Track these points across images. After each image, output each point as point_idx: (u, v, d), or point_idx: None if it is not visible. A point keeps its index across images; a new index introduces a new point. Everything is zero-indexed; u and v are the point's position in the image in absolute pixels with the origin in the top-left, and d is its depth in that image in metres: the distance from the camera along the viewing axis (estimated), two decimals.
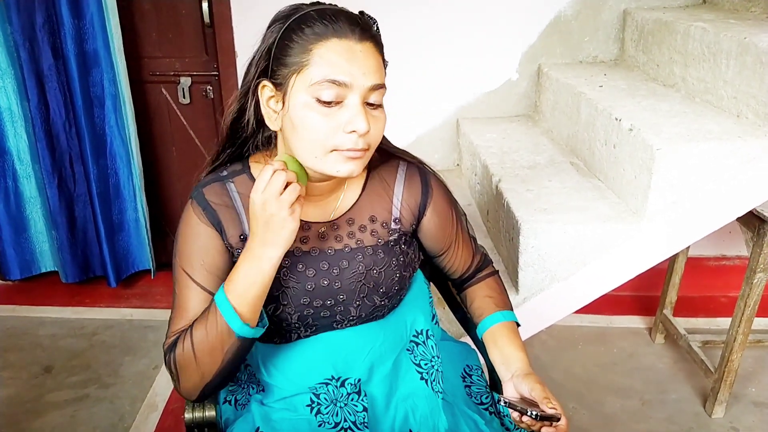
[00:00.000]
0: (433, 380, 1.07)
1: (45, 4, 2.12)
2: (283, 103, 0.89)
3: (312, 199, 0.99)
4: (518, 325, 1.12)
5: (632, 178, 1.55)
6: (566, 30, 2.21)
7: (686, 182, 1.48)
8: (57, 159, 2.32)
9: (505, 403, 0.96)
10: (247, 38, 2.32)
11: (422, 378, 1.07)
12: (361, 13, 0.91)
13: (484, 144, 2.04)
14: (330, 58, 0.85)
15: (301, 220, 0.98)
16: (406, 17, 2.17)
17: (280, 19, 0.90)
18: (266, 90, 0.91)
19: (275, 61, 0.88)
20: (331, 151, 0.87)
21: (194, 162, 2.54)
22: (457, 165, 2.37)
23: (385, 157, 1.07)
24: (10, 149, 2.36)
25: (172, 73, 2.40)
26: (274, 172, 0.83)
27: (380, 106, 0.90)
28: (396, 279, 1.03)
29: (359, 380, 1.03)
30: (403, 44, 2.18)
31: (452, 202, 1.12)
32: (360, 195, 1.03)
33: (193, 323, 0.91)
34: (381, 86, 0.89)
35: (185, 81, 2.40)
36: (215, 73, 2.38)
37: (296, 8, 0.90)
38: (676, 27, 1.82)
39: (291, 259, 0.97)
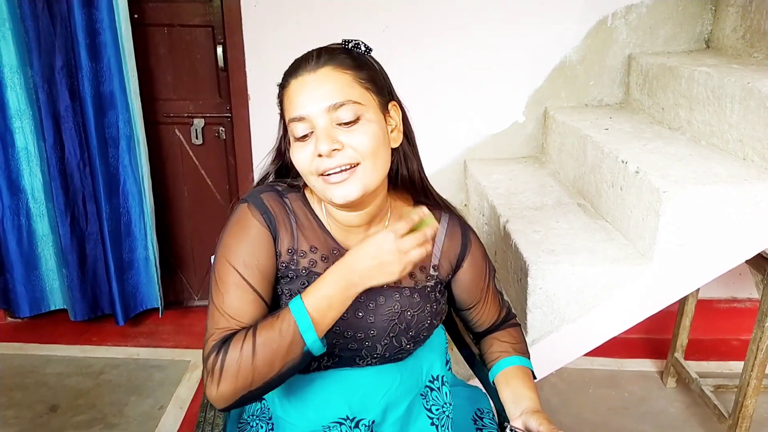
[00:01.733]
0: (443, 426, 1.07)
1: (65, 48, 2.19)
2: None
3: (354, 231, 1.02)
4: (534, 377, 1.11)
5: (639, 220, 1.56)
6: (572, 74, 2.25)
7: (694, 224, 1.48)
8: (70, 198, 2.36)
9: (511, 429, 0.94)
10: (260, 81, 2.41)
11: (432, 424, 1.06)
12: (343, 42, 0.97)
13: (492, 185, 2.06)
14: (290, 100, 0.93)
15: (346, 251, 0.98)
16: (417, 60, 2.22)
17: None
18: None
19: (280, 115, 1.00)
20: (318, 176, 0.92)
21: (205, 202, 2.57)
22: (465, 205, 2.39)
23: (424, 195, 1.09)
24: (25, 188, 2.40)
25: (186, 114, 2.46)
26: (425, 240, 0.89)
27: (356, 121, 0.91)
28: (426, 325, 1.03)
29: (373, 422, 1.02)
30: (413, 86, 2.21)
31: (487, 258, 1.13)
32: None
33: (256, 326, 0.88)
34: (342, 104, 0.90)
35: (198, 122, 2.45)
36: (228, 114, 2.43)
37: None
38: (680, 71, 1.85)
39: None
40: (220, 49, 2.32)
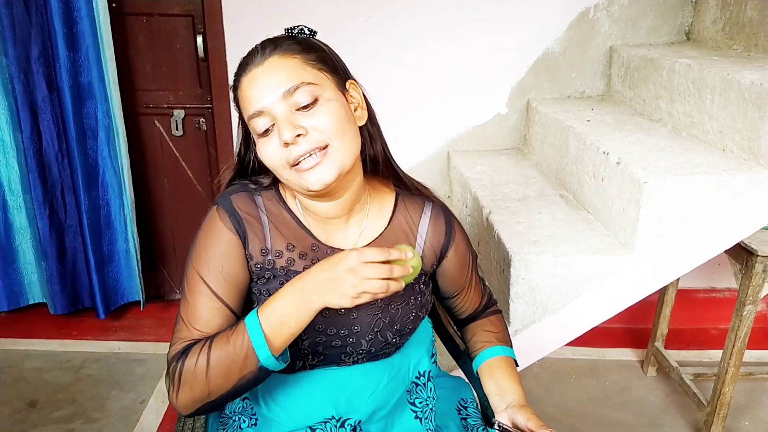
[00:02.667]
0: (426, 418, 1.07)
1: (41, 37, 2.14)
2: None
3: (334, 223, 0.99)
4: (517, 364, 1.12)
5: (621, 211, 1.57)
6: (554, 66, 2.26)
7: (674, 215, 1.50)
8: (48, 189, 2.32)
9: (499, 426, 0.95)
10: None
11: (417, 417, 1.06)
12: (286, 30, 0.96)
13: (475, 176, 2.06)
14: (243, 96, 0.91)
15: (326, 246, 0.98)
16: (400, 51, 2.21)
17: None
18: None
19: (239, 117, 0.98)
20: (290, 168, 0.89)
21: (186, 194, 2.55)
22: (448, 197, 2.39)
23: (412, 192, 1.06)
24: (1, 180, 2.36)
25: (166, 105, 2.42)
26: (388, 261, 0.82)
27: (314, 102, 0.89)
28: (411, 318, 1.02)
29: (359, 422, 1.01)
30: (395, 77, 2.21)
31: (470, 245, 1.13)
32: (386, 227, 1.03)
33: (212, 339, 0.87)
34: (296, 87, 0.88)
35: (179, 113, 2.42)
36: (209, 105, 2.40)
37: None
38: (661, 63, 1.86)
39: None
40: (200, 39, 2.29)
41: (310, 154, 0.88)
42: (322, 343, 0.97)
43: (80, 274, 2.46)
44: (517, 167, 2.16)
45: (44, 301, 2.53)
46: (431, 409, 1.08)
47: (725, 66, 1.66)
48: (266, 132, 0.90)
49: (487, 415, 1.18)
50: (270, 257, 0.96)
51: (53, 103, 2.22)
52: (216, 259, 0.93)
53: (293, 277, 0.89)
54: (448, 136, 2.35)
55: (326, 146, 0.89)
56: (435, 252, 1.06)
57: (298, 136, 0.87)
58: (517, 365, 1.11)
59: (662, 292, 2.17)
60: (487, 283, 1.21)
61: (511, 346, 1.14)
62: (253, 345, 0.83)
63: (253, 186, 0.99)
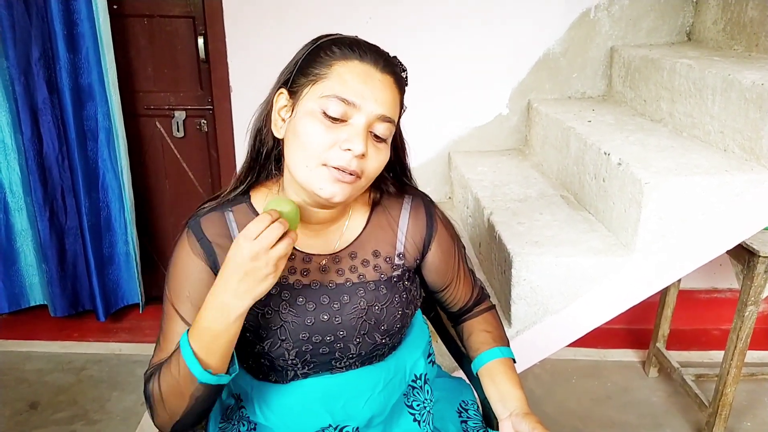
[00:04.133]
0: (424, 421, 1.06)
1: (41, 38, 2.14)
2: (293, 110, 0.90)
3: (313, 229, 0.98)
4: (514, 361, 1.11)
5: (622, 212, 1.57)
6: (555, 66, 2.26)
7: (675, 216, 1.49)
8: (49, 192, 2.32)
9: None
10: (242, 73, 2.38)
11: (415, 420, 1.05)
12: (394, 57, 0.94)
13: (476, 177, 2.06)
14: (347, 77, 0.87)
15: (303, 252, 0.97)
16: (401, 52, 2.20)
17: (314, 39, 0.93)
18: (281, 98, 0.92)
19: (298, 71, 0.90)
20: (323, 164, 0.86)
21: (187, 195, 2.54)
22: (449, 198, 2.39)
23: (392, 190, 1.05)
24: (2, 182, 2.36)
25: (167, 107, 2.42)
26: (272, 221, 0.80)
27: (385, 140, 0.90)
28: (398, 317, 1.00)
29: (357, 428, 1.00)
30: None
31: (455, 237, 1.11)
32: (364, 228, 1.01)
33: (162, 363, 0.89)
34: (390, 120, 0.89)
35: (180, 115, 2.42)
36: (210, 107, 2.40)
37: (333, 34, 0.93)
38: (662, 63, 1.86)
39: (291, 292, 0.95)
40: (201, 40, 2.29)
41: (349, 174, 0.87)
42: (309, 352, 0.96)
43: (80, 277, 2.46)
44: (518, 168, 2.16)
45: (45, 303, 2.52)
46: (429, 411, 1.07)
47: (726, 66, 1.66)
48: (335, 119, 0.86)
49: (488, 416, 1.17)
50: None
51: (53, 105, 2.22)
52: (184, 286, 0.93)
53: (272, 289, 0.87)
54: (449, 137, 2.34)
55: (360, 177, 0.89)
56: (417, 246, 1.05)
57: (363, 155, 0.87)
58: (514, 362, 1.10)
59: (664, 292, 2.16)
60: (477, 276, 1.19)
61: (508, 344, 1.12)
62: (188, 365, 0.84)
63: (227, 200, 0.97)
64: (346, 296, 0.97)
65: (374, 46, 0.92)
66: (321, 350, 0.96)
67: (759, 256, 1.68)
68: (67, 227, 2.39)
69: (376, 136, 0.89)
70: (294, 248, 0.95)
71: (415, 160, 1.10)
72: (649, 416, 2.06)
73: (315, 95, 0.87)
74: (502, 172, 2.11)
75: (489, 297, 1.21)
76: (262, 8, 2.18)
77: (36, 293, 2.54)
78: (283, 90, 0.92)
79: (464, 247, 1.15)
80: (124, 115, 2.27)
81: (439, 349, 1.30)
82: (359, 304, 0.97)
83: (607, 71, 2.26)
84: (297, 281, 0.96)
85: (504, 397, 1.02)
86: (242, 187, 0.98)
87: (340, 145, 0.86)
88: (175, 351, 0.87)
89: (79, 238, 2.40)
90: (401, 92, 0.93)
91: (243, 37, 2.22)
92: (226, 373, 0.88)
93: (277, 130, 0.92)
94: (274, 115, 0.92)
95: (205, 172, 2.53)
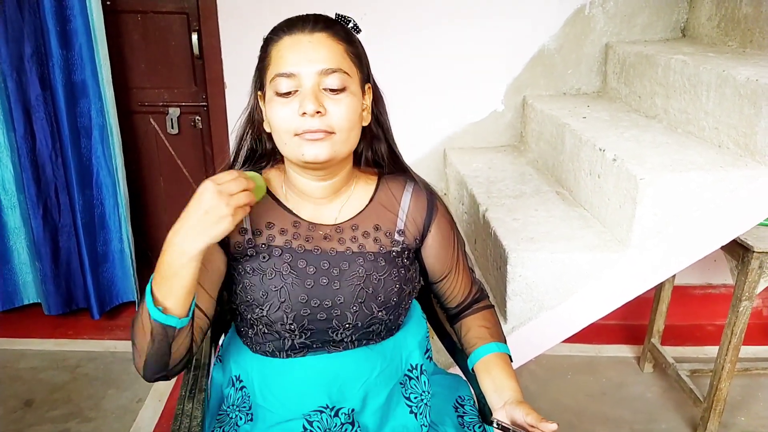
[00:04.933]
0: (421, 413, 1.07)
1: (34, 35, 2.13)
2: (264, 100, 0.98)
3: (319, 203, 1.03)
4: (511, 359, 1.12)
5: (617, 208, 1.57)
6: (550, 63, 2.26)
7: (670, 212, 1.50)
8: (42, 189, 2.30)
9: (498, 425, 0.94)
10: (237, 69, 2.37)
11: (411, 412, 1.06)
12: (333, 15, 0.98)
13: (471, 173, 2.06)
14: (279, 55, 0.94)
15: (308, 222, 1.02)
16: (396, 48, 2.20)
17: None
18: (260, 100, 1.00)
19: (257, 70, 1.00)
20: (295, 135, 0.93)
21: (182, 192, 2.53)
22: (444, 194, 2.39)
23: (396, 170, 1.10)
24: None
25: (161, 103, 2.41)
26: (239, 176, 0.87)
27: (342, 90, 0.94)
28: (395, 290, 1.03)
29: (353, 410, 1.02)
30: (391, 75, 2.20)
31: (454, 227, 1.14)
32: (367, 204, 1.06)
33: None
34: (334, 71, 0.93)
35: (174, 111, 2.41)
36: (204, 103, 2.39)
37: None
38: (657, 60, 1.86)
39: (293, 255, 0.99)
40: (195, 37, 2.28)
41: (318, 132, 0.92)
42: (306, 317, 0.98)
43: (74, 275, 2.45)
44: (514, 164, 2.16)
45: (39, 301, 2.51)
46: (426, 404, 1.08)
47: (721, 62, 1.66)
48: (287, 94, 0.93)
49: (484, 412, 1.17)
50: (249, 236, 1.00)
51: (46, 102, 2.21)
52: None
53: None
54: (445, 134, 2.34)
55: (333, 133, 0.93)
56: (417, 226, 1.08)
57: (318, 113, 0.91)
58: (511, 360, 1.11)
59: (658, 288, 2.17)
60: (477, 276, 1.21)
61: (505, 342, 1.14)
62: (146, 302, 0.88)
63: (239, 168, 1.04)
64: (345, 263, 1.01)
65: (306, 15, 0.96)
66: (319, 315, 0.99)
67: (753, 252, 1.69)
68: (61, 225, 2.38)
69: (332, 90, 0.93)
70: (299, 217, 1.02)
71: (410, 156, 1.12)
72: (644, 411, 2.07)
73: (267, 83, 0.96)
74: (497, 168, 2.11)
75: (488, 297, 1.22)
76: (256, 4, 2.17)
77: (30, 291, 2.53)
78: (259, 92, 1.00)
79: (464, 243, 1.17)
80: (118, 112, 2.26)
81: (435, 345, 1.30)
82: (357, 271, 1.01)
83: (602, 67, 2.26)
84: (300, 245, 1.00)
85: (499, 387, 1.04)
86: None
87: (297, 112, 0.92)
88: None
89: (72, 236, 2.39)
90: (344, 41, 0.96)
91: (237, 33, 2.21)
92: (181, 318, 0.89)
93: (267, 126, 1.00)
94: (264, 116, 1.00)
95: (200, 168, 2.52)
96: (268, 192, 1.03)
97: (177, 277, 0.86)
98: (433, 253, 1.11)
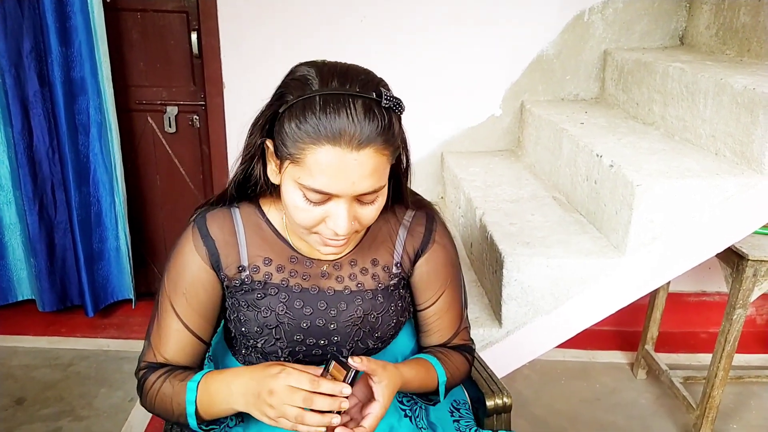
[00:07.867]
0: (417, 417, 1.06)
1: (33, 31, 2.13)
2: (280, 170, 0.87)
3: None
4: (436, 402, 1.05)
5: (613, 214, 1.57)
6: (548, 69, 2.26)
7: (666, 218, 1.50)
8: (39, 185, 2.30)
9: (345, 358, 0.86)
10: (235, 69, 2.37)
11: (406, 415, 1.06)
12: (379, 95, 0.83)
13: (468, 178, 2.06)
14: (318, 169, 0.80)
15: (305, 257, 0.98)
16: (395, 52, 2.21)
17: (290, 87, 0.84)
18: (270, 147, 0.88)
19: (277, 134, 0.84)
20: (314, 233, 0.88)
21: (178, 191, 2.53)
22: (441, 198, 2.39)
23: (395, 201, 1.02)
24: None
25: (159, 102, 2.41)
26: (337, 404, 0.81)
27: (375, 199, 0.87)
28: (392, 324, 1.01)
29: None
30: (390, 78, 2.20)
31: (453, 263, 1.07)
32: (364, 236, 1.01)
33: (168, 376, 0.94)
34: (375, 191, 0.84)
35: (172, 110, 2.41)
36: (202, 103, 2.39)
37: (305, 81, 0.82)
38: (655, 67, 1.87)
39: (290, 294, 0.96)
40: (194, 36, 2.28)
41: (339, 239, 0.87)
42: (302, 352, 0.97)
43: (69, 272, 2.44)
44: (511, 169, 2.16)
45: (33, 297, 2.50)
46: (420, 407, 1.08)
47: (718, 71, 1.67)
48: (315, 203, 0.84)
49: (478, 416, 1.18)
50: (247, 273, 0.96)
51: (45, 99, 2.20)
52: (183, 283, 0.95)
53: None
54: (442, 138, 2.35)
55: (357, 231, 0.90)
56: (410, 256, 1.04)
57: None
58: (438, 394, 1.03)
59: (653, 295, 2.17)
60: (470, 330, 1.14)
61: (451, 381, 1.05)
62: (186, 409, 0.91)
63: (234, 196, 0.96)
64: (343, 303, 0.98)
65: (348, 101, 0.80)
66: (313, 351, 0.98)
67: (748, 260, 1.69)
68: (57, 221, 2.37)
69: (364, 203, 0.86)
70: (298, 252, 0.98)
71: None
72: (637, 418, 2.07)
73: (294, 175, 0.83)
74: (494, 172, 2.12)
75: (473, 348, 1.14)
76: (256, 4, 2.17)
77: (24, 288, 2.52)
78: (269, 143, 0.87)
79: (463, 287, 1.10)
80: (116, 110, 2.25)
81: None
82: (355, 312, 0.98)
83: (600, 74, 2.27)
84: (297, 284, 0.97)
85: (404, 363, 0.99)
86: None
87: (326, 223, 0.85)
88: (184, 378, 0.92)
89: (68, 233, 2.38)
90: (391, 145, 0.83)
91: (236, 33, 2.21)
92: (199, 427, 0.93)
93: (273, 177, 0.90)
94: (269, 161, 0.89)
95: (197, 168, 2.52)
96: (268, 223, 0.98)
97: (218, 408, 0.90)
98: (420, 279, 1.05)
